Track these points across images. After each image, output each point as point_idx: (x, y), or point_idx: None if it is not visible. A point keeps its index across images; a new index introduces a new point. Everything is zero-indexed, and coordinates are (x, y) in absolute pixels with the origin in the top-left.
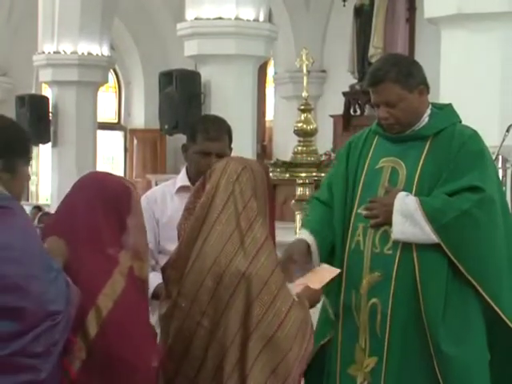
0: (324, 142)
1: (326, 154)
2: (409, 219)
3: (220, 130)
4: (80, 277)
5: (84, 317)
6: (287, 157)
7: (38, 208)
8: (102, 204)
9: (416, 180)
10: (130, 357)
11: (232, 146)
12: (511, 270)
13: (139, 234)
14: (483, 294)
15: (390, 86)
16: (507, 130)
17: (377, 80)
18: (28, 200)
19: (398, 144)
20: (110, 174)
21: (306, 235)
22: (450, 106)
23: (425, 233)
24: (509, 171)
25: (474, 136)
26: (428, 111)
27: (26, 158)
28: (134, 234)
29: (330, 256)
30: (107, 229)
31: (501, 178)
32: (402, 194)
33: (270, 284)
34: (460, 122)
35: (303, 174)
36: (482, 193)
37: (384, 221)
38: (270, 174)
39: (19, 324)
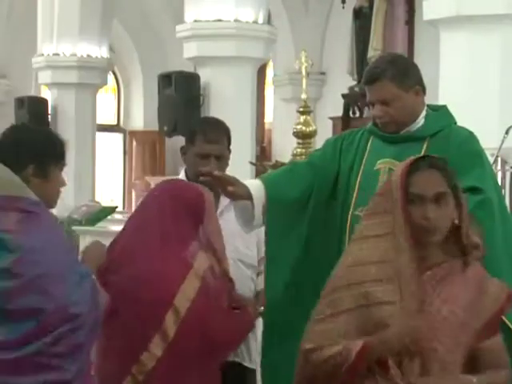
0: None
1: None
2: None
3: (219, 132)
4: (156, 278)
5: (162, 316)
6: (286, 159)
7: None
8: (176, 210)
9: None
10: (205, 356)
11: (231, 148)
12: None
13: (217, 237)
14: None
15: (386, 84)
16: (506, 132)
17: (373, 78)
18: None
19: (393, 145)
20: (185, 182)
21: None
22: (445, 107)
23: None
24: (508, 173)
25: (470, 136)
26: (424, 112)
27: (60, 163)
28: (211, 237)
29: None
30: (180, 233)
31: (500, 180)
32: None
33: None
34: (455, 123)
35: None
36: (483, 194)
37: None
38: None
39: (41, 324)
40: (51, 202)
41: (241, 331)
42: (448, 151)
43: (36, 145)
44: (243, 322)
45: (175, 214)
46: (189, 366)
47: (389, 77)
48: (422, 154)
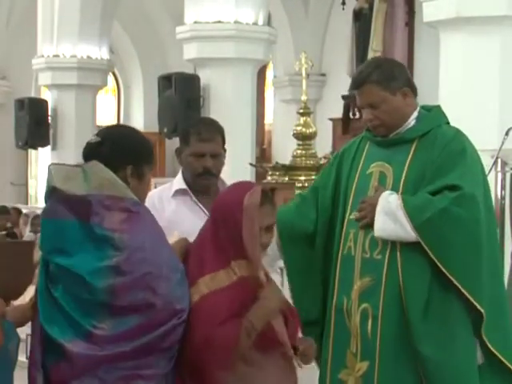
0: (323, 146)
1: (325, 157)
2: (391, 217)
3: (212, 130)
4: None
5: None
6: (286, 160)
7: (17, 210)
8: (217, 220)
9: (402, 183)
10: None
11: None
12: (491, 267)
13: (252, 244)
14: (464, 292)
15: (371, 88)
16: (506, 134)
17: (359, 82)
18: (27, 203)
19: (385, 148)
20: (232, 188)
21: None
22: (438, 107)
23: (405, 230)
24: (508, 174)
25: (457, 136)
26: (415, 114)
27: (151, 163)
28: (247, 244)
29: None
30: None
31: (500, 181)
32: (386, 193)
33: None
34: (447, 123)
35: (302, 178)
36: (460, 190)
37: (371, 220)
38: (269, 178)
39: (150, 320)
40: (143, 200)
41: None
42: (432, 152)
43: (134, 146)
44: None
45: (217, 222)
46: None
47: (374, 80)
48: (410, 155)
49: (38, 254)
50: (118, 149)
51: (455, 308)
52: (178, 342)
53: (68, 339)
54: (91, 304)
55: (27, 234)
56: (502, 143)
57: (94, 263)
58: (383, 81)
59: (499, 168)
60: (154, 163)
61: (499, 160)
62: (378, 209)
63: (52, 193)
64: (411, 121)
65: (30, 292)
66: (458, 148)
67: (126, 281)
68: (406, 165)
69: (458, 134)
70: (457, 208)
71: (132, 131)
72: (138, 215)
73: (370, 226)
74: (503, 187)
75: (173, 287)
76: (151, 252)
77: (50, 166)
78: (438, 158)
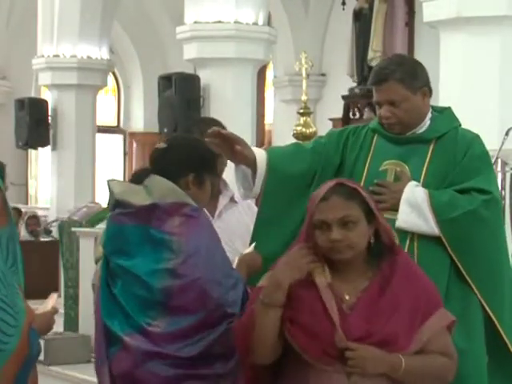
0: None
1: None
2: (415, 210)
3: None
4: None
5: None
6: None
7: (17, 210)
8: None
9: (421, 184)
10: None
11: None
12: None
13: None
14: (477, 293)
15: (394, 85)
16: (506, 134)
17: (381, 78)
18: (27, 203)
19: (399, 146)
20: None
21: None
22: (449, 109)
23: (428, 224)
24: (508, 175)
25: (476, 139)
26: (429, 114)
27: (213, 174)
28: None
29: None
30: None
31: (500, 181)
32: (412, 183)
33: None
34: (460, 125)
35: None
36: (490, 194)
37: (390, 207)
38: None
39: (200, 321)
40: (201, 208)
41: None
42: (455, 155)
43: (198, 155)
44: None
45: None
46: None
47: (397, 78)
48: (429, 155)
49: (99, 251)
50: (183, 156)
51: (473, 302)
52: (232, 346)
53: (127, 332)
54: (147, 302)
55: (22, 234)
56: (502, 143)
57: (152, 265)
58: (406, 79)
59: (499, 168)
60: (216, 175)
61: (499, 160)
62: (404, 197)
63: (117, 205)
64: (427, 121)
65: (52, 299)
66: (480, 151)
67: (181, 283)
68: (425, 166)
69: (477, 137)
70: (485, 211)
71: (198, 141)
72: (196, 220)
73: (386, 210)
74: (503, 187)
75: (225, 291)
76: (206, 257)
77: (109, 181)
78: (461, 161)
